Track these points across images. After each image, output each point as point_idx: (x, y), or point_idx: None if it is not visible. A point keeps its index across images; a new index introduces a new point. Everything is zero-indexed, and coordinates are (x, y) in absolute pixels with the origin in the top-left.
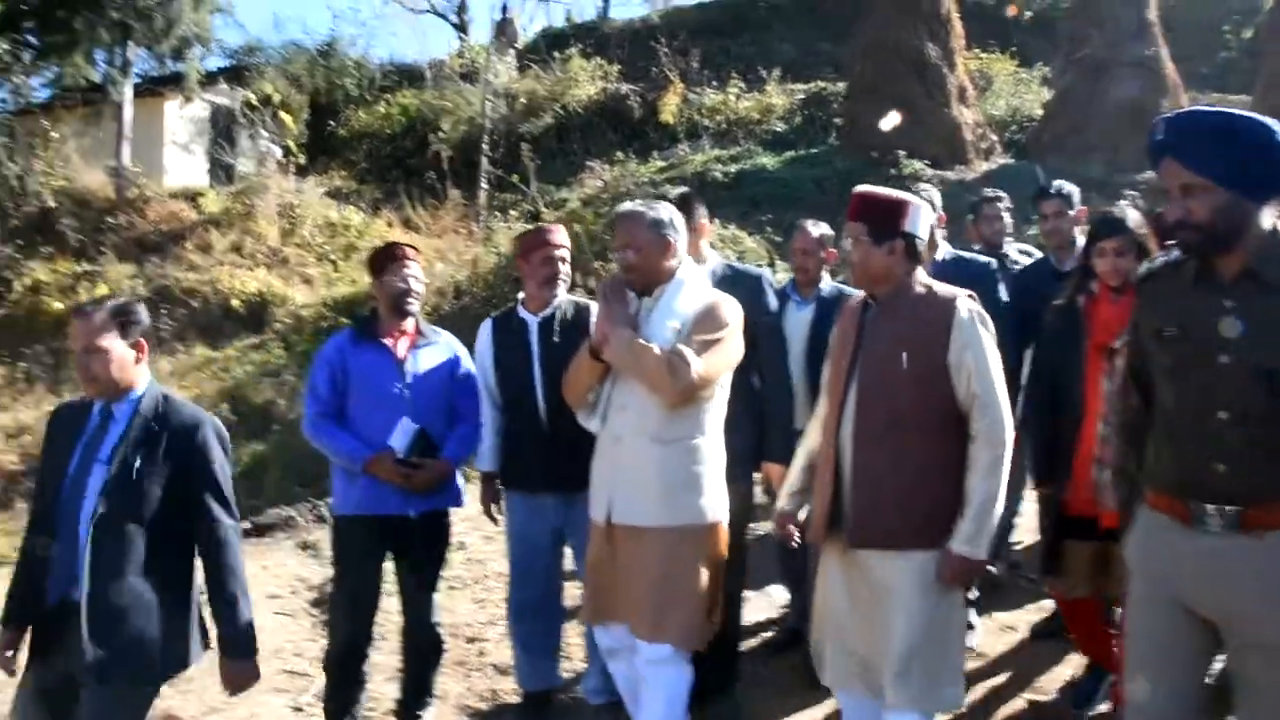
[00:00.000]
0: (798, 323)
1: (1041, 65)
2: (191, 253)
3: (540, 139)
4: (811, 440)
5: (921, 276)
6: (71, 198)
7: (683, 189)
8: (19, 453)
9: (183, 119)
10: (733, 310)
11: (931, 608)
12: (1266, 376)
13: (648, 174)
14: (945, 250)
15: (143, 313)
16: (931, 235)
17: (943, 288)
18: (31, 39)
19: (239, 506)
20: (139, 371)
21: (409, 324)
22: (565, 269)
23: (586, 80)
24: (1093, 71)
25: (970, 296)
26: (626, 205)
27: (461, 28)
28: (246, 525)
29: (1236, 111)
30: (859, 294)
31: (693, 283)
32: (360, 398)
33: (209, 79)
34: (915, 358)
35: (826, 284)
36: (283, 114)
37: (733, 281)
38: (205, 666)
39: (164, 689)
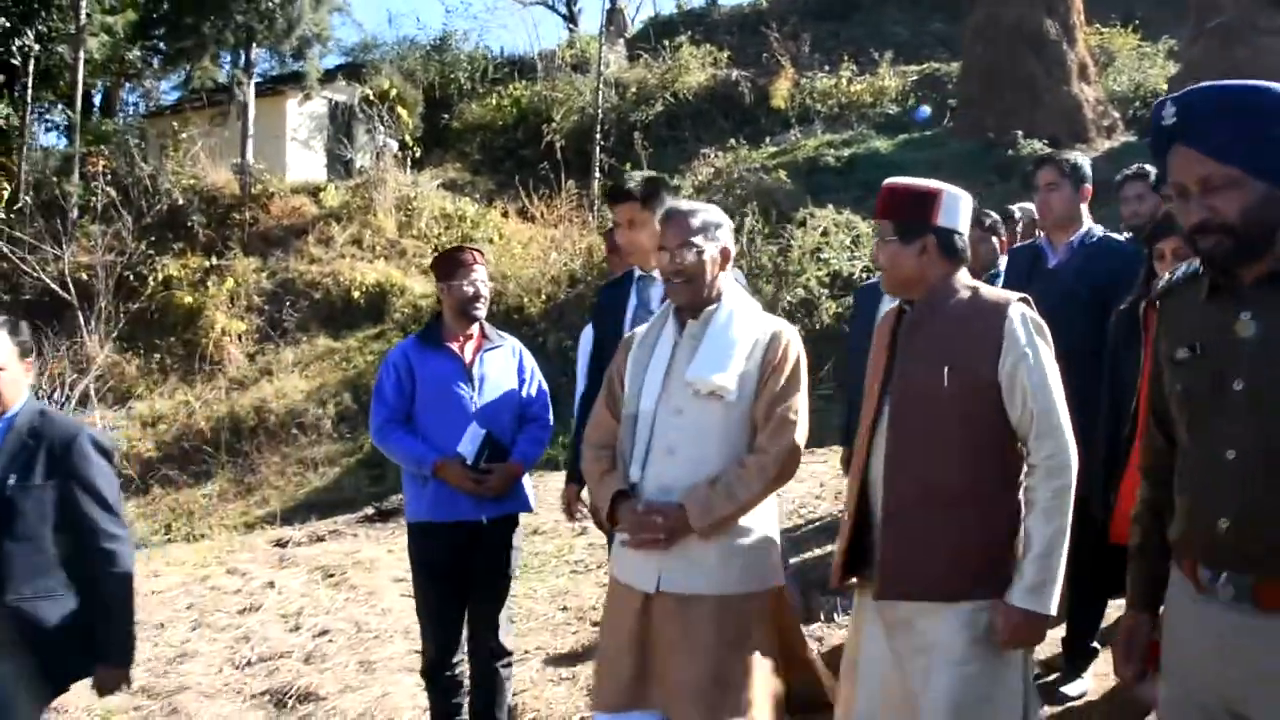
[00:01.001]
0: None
1: (1168, 38)
2: (313, 246)
3: (651, 127)
4: None
5: (964, 279)
6: (200, 195)
7: (650, 174)
8: (154, 439)
9: (302, 116)
10: (799, 346)
11: (981, 668)
12: None
13: (760, 160)
14: (1089, 228)
15: (28, 330)
16: (1073, 211)
17: (991, 291)
18: (160, 45)
19: (361, 493)
20: (22, 388)
21: (474, 328)
22: None
23: (697, 67)
24: (1225, 40)
25: (1024, 300)
26: (680, 203)
27: (571, 19)
28: (370, 510)
29: (1258, 83)
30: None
31: (744, 308)
32: (428, 403)
33: (327, 76)
34: (959, 374)
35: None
36: (399, 108)
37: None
38: (342, 644)
39: (302, 667)
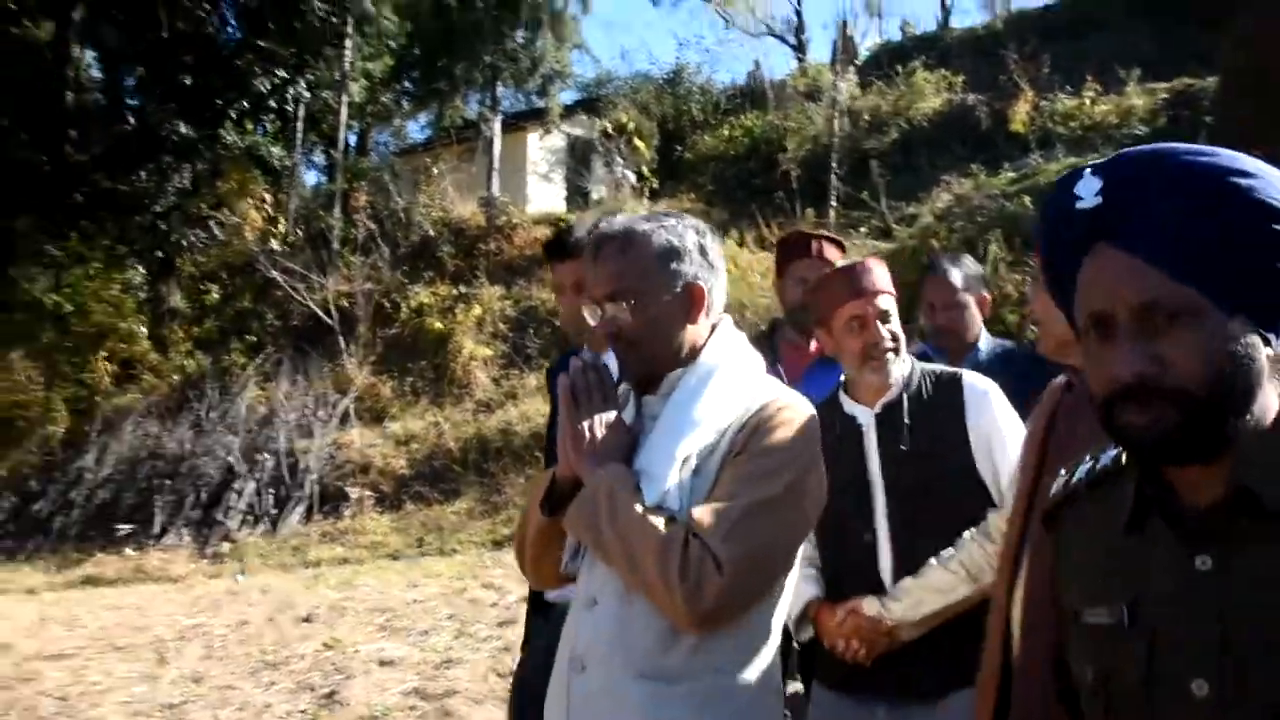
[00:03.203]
0: None
1: None
2: None
3: (886, 154)
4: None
5: None
6: (448, 227)
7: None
8: (407, 458)
9: (543, 149)
10: (805, 426)
11: None
12: None
13: (1000, 186)
14: None
15: None
16: None
17: None
18: (410, 87)
19: None
20: None
21: None
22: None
23: (931, 93)
24: None
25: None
26: (616, 220)
27: (799, 48)
28: None
29: (1219, 151)
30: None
31: (730, 371)
32: None
33: (566, 111)
34: None
35: (986, 342)
36: (635, 140)
37: None
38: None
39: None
